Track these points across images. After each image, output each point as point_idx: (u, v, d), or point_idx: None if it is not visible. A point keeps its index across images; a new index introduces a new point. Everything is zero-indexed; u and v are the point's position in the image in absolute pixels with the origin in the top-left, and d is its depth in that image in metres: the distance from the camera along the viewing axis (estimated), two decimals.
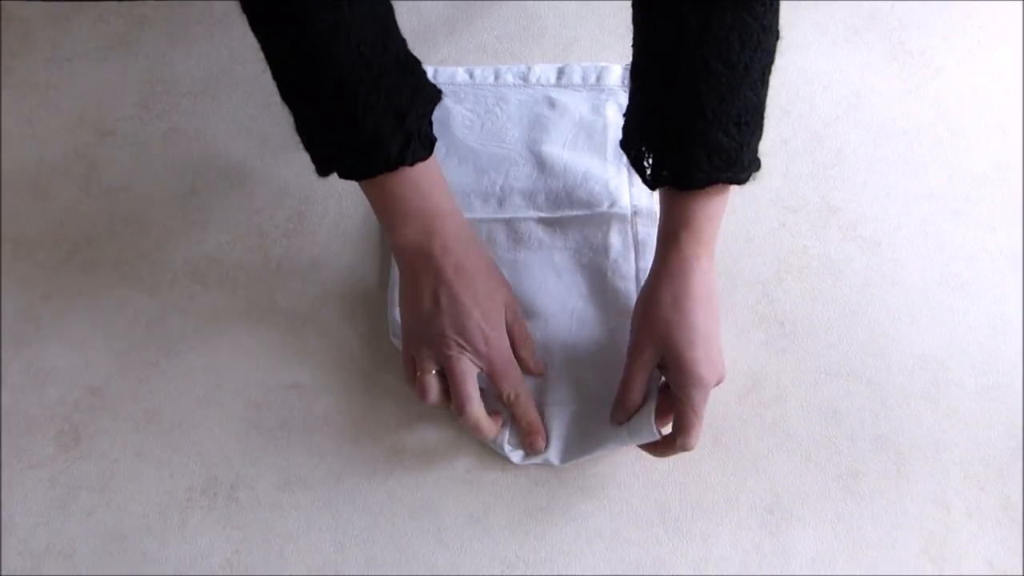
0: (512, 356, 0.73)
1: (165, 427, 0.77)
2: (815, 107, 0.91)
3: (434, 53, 0.95)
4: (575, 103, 0.89)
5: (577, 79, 0.91)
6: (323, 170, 0.70)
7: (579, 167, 0.85)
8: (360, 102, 0.65)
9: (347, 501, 0.74)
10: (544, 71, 0.92)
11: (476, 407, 0.70)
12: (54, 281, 0.84)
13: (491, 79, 0.92)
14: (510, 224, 0.84)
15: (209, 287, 0.83)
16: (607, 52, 0.95)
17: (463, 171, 0.86)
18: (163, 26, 0.98)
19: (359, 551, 0.72)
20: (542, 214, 0.84)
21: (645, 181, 0.71)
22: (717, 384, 0.70)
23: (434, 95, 0.71)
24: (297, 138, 0.71)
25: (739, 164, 0.67)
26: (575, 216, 0.83)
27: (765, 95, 0.67)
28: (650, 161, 0.70)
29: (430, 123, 0.70)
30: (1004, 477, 0.74)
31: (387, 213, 0.71)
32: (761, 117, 0.68)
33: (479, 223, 0.84)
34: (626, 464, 0.74)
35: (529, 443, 0.73)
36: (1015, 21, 0.96)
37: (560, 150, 0.87)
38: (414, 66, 0.70)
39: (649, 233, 0.82)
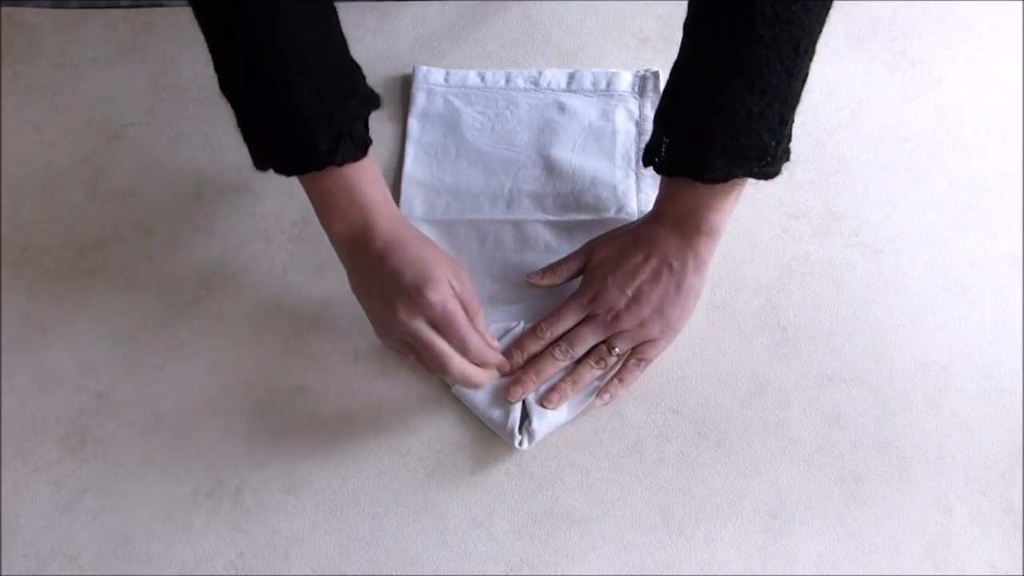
0: (455, 305, 0.70)
1: (170, 430, 0.77)
2: (817, 115, 0.91)
3: (439, 60, 0.96)
4: (585, 108, 0.90)
5: (587, 84, 0.92)
6: (261, 165, 0.72)
7: (587, 172, 0.86)
8: (291, 99, 0.67)
9: (351, 504, 0.74)
10: (555, 76, 0.93)
11: (453, 361, 0.70)
12: (60, 285, 0.84)
13: (502, 83, 0.93)
14: (518, 226, 0.85)
15: (215, 291, 0.83)
16: (611, 60, 0.95)
17: (472, 173, 0.87)
18: (170, 32, 0.99)
19: (363, 554, 0.72)
20: (550, 217, 0.85)
21: (644, 161, 0.76)
22: (635, 336, 0.75)
23: (369, 100, 0.73)
24: None
25: (706, 164, 0.70)
26: (582, 220, 0.84)
27: (761, 105, 0.67)
28: (650, 142, 0.75)
29: (366, 125, 0.72)
30: (1006, 481, 0.74)
31: (321, 208, 0.74)
32: (749, 128, 0.68)
33: (487, 224, 0.85)
34: (629, 468, 0.75)
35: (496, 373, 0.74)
36: (1015, 29, 0.96)
37: (569, 154, 0.88)
38: (352, 71, 0.72)
39: None
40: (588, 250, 0.79)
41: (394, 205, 0.76)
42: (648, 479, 0.74)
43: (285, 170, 0.72)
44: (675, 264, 0.75)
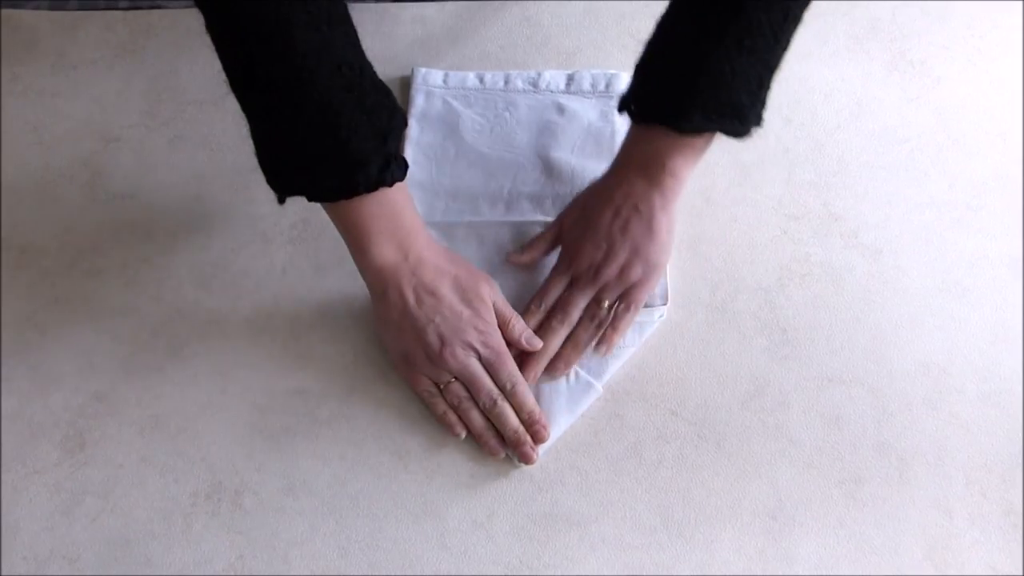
0: (505, 346, 0.76)
1: (170, 432, 0.77)
2: (817, 116, 0.91)
3: (438, 62, 0.96)
4: (584, 109, 0.90)
5: (586, 86, 0.92)
6: (285, 194, 0.70)
7: (587, 173, 0.86)
8: (344, 123, 0.66)
9: (351, 506, 0.74)
10: (554, 77, 0.93)
11: (500, 398, 0.74)
12: (59, 287, 0.84)
13: (501, 84, 0.93)
14: (517, 228, 0.84)
15: (214, 293, 0.83)
16: (609, 61, 0.95)
17: (472, 175, 0.87)
18: (169, 35, 0.98)
19: (363, 556, 0.72)
20: (549, 219, 0.84)
21: (619, 108, 0.76)
22: (620, 283, 0.77)
23: (404, 119, 0.73)
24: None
25: (683, 115, 0.71)
26: None
27: (745, 65, 0.69)
28: (628, 91, 0.76)
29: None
30: (1006, 483, 0.74)
31: (361, 233, 0.72)
32: (730, 85, 0.69)
33: (486, 226, 0.85)
34: (629, 470, 0.75)
35: (534, 434, 0.74)
36: (1015, 30, 0.96)
37: (568, 156, 0.87)
38: (387, 90, 0.71)
39: None
40: (559, 219, 0.81)
41: (426, 227, 0.77)
42: (647, 481, 0.74)
43: (328, 196, 0.70)
44: (642, 207, 0.76)
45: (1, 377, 0.80)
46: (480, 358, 0.75)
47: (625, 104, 0.76)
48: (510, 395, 0.75)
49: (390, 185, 0.70)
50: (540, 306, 0.78)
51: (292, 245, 0.85)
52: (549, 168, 0.87)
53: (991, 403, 0.77)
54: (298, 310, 0.82)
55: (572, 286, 0.78)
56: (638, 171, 0.76)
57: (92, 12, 1.01)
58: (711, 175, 0.87)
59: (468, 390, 0.75)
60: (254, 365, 0.80)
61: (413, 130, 0.90)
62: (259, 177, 0.88)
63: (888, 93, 0.93)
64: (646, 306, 0.80)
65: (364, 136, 0.67)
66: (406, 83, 0.94)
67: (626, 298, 0.78)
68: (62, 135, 0.93)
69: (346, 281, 0.83)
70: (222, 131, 0.92)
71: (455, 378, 0.75)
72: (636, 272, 0.77)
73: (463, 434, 0.75)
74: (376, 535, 0.73)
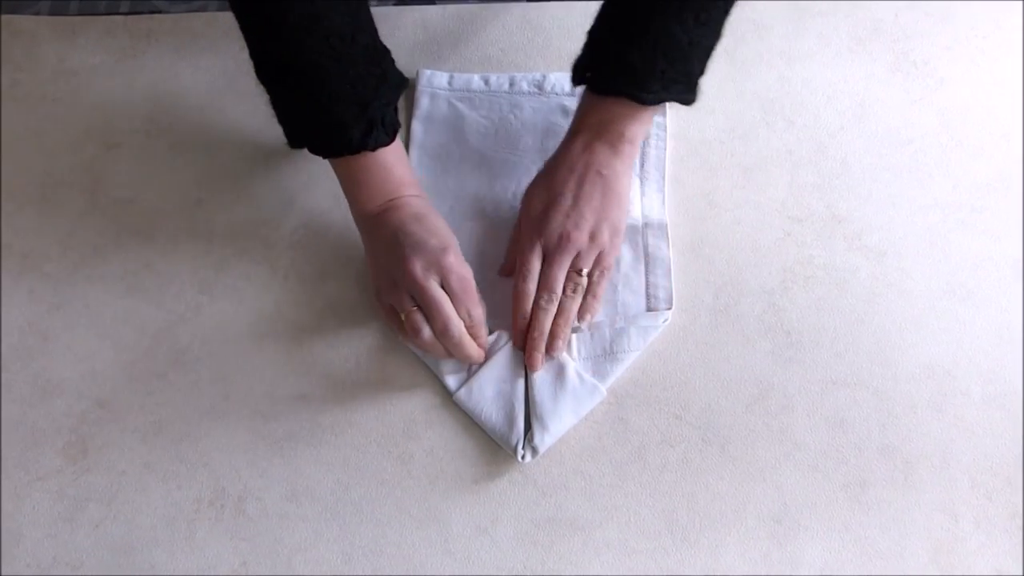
0: (471, 279, 0.76)
1: (172, 439, 0.77)
2: (819, 117, 0.91)
3: (440, 65, 0.95)
4: None
5: None
6: (294, 144, 0.77)
7: None
8: (327, 91, 0.71)
9: (354, 512, 0.74)
10: (559, 80, 0.92)
11: (457, 324, 0.74)
12: (61, 293, 0.84)
13: (506, 86, 0.93)
14: None
15: (216, 298, 0.83)
16: None
17: (476, 177, 0.88)
18: (169, 40, 0.98)
19: (366, 562, 0.72)
20: None
21: (573, 78, 0.78)
22: (592, 249, 0.77)
23: (399, 83, 0.76)
24: (302, 150, 0.75)
25: (645, 87, 0.74)
26: None
27: (699, 36, 0.72)
28: (581, 59, 0.77)
29: (395, 110, 0.76)
30: (1011, 486, 0.73)
31: (352, 187, 0.78)
32: (686, 56, 0.72)
33: (490, 228, 0.85)
34: (633, 474, 0.75)
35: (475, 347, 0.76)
36: (1017, 31, 0.96)
37: None
38: (382, 56, 0.75)
39: (659, 246, 0.83)
40: (522, 208, 0.81)
41: (419, 186, 0.80)
42: (652, 485, 0.74)
43: (319, 153, 0.75)
44: (605, 171, 0.78)
45: (2, 383, 0.80)
46: (444, 286, 0.75)
47: (580, 72, 0.77)
48: (468, 327, 0.75)
49: (372, 150, 0.74)
50: (528, 287, 0.78)
51: (293, 250, 0.85)
52: None
53: (996, 406, 0.77)
54: (300, 315, 0.82)
55: (548, 261, 0.78)
56: (598, 138, 0.78)
57: (93, 17, 1.00)
58: (714, 178, 0.87)
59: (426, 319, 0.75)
60: (256, 371, 0.79)
61: (417, 132, 0.91)
62: (260, 182, 0.88)
63: (891, 94, 0.93)
64: (650, 310, 0.80)
65: (346, 103, 0.72)
66: (410, 85, 0.94)
67: (599, 264, 0.79)
68: (63, 140, 0.92)
69: (348, 286, 0.82)
70: (223, 136, 0.92)
71: (416, 307, 0.74)
72: (604, 236, 0.78)
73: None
74: (380, 541, 0.73)
